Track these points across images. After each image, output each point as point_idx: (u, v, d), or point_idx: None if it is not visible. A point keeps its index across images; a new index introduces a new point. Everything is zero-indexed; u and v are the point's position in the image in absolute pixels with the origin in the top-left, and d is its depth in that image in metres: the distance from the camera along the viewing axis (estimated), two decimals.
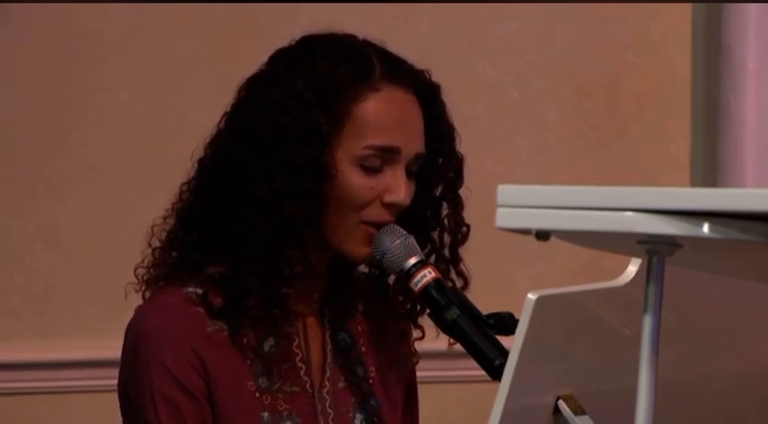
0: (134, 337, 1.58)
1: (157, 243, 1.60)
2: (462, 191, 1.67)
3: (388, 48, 1.57)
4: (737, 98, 2.87)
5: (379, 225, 1.55)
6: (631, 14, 2.97)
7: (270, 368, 1.55)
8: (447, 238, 1.66)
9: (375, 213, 1.53)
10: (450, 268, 1.66)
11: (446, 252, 1.66)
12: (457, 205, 1.66)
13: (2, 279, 2.83)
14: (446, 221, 1.66)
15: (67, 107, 2.90)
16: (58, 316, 2.85)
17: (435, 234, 1.65)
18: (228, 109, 1.55)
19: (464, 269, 1.67)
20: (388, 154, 1.51)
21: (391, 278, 1.68)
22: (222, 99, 1.61)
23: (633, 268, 1.31)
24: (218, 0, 3.12)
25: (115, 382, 1.61)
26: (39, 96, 2.87)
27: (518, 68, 2.96)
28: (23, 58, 2.88)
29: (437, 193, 1.64)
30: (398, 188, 1.52)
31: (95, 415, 2.82)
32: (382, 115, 1.47)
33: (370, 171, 1.50)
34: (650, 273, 1.12)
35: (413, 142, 1.53)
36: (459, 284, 1.66)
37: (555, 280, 2.87)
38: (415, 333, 1.71)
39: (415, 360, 1.74)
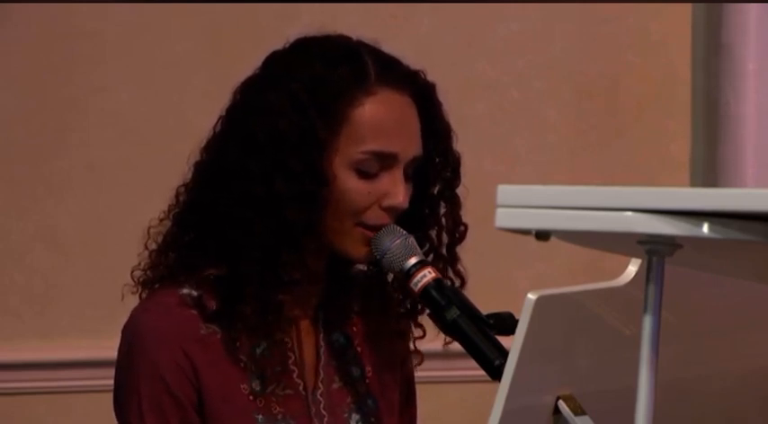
0: (128, 338, 1.58)
1: (154, 245, 1.60)
2: (460, 190, 1.67)
3: (382, 49, 1.57)
4: (737, 98, 2.87)
5: (378, 229, 1.55)
6: (631, 14, 2.98)
7: (263, 371, 1.55)
8: (445, 237, 1.66)
9: (374, 217, 1.53)
10: (448, 267, 1.66)
11: (444, 251, 1.66)
12: (454, 204, 1.66)
13: (2, 279, 2.82)
14: (444, 220, 1.66)
15: (67, 107, 2.90)
16: (58, 316, 2.84)
17: (433, 233, 1.65)
18: (224, 112, 1.53)
19: (461, 269, 1.67)
20: (385, 160, 1.50)
21: (389, 276, 1.68)
22: (222, 99, 1.60)
23: (633, 268, 1.31)
24: (218, 0, 3.12)
25: None
26: (39, 96, 2.87)
27: (518, 68, 2.96)
28: (23, 58, 2.88)
29: (434, 192, 1.64)
30: (397, 192, 1.51)
31: (95, 415, 2.81)
32: (379, 120, 1.47)
33: (367, 175, 1.50)
34: (650, 273, 1.12)
35: (410, 146, 1.53)
36: (456, 283, 1.66)
37: (555, 280, 2.87)
38: (417, 332, 1.71)
39: (417, 361, 1.74)
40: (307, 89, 1.44)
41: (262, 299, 1.49)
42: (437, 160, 1.61)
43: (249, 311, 1.49)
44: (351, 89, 1.45)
